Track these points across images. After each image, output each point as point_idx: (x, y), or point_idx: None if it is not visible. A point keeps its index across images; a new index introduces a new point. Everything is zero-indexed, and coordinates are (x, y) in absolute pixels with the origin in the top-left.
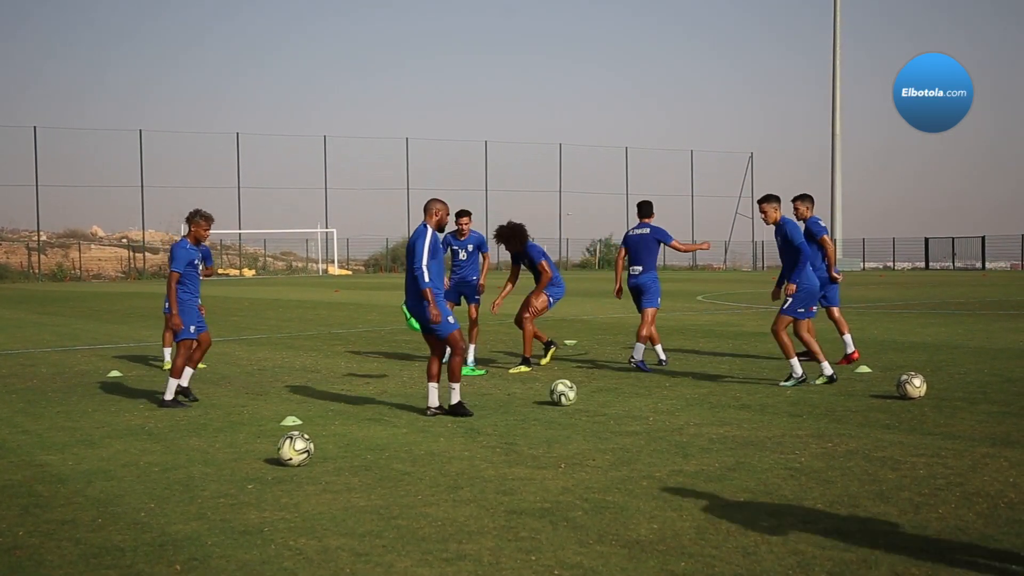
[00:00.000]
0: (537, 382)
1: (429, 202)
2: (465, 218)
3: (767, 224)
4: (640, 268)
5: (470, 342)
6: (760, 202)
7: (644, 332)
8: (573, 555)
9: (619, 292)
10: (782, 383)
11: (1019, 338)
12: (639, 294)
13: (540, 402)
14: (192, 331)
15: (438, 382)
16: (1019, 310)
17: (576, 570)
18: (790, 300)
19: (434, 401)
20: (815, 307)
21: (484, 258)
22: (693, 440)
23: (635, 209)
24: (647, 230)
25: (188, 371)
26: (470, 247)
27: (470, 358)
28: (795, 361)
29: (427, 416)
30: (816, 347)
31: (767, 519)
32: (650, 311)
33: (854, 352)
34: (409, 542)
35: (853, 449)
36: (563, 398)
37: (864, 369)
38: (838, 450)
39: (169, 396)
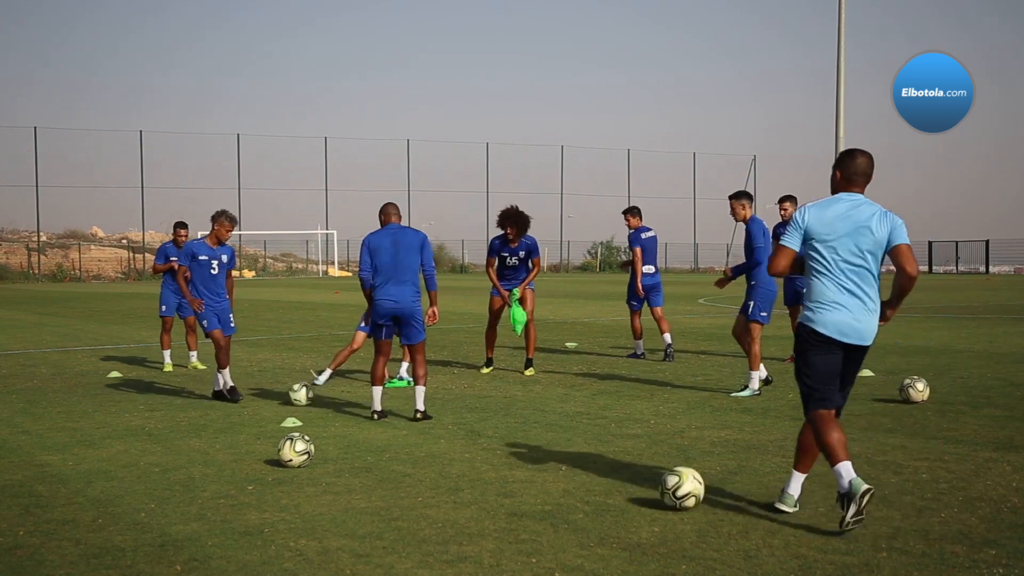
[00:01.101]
0: (538, 384)
1: (395, 206)
2: None
3: (736, 221)
4: (654, 268)
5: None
6: (731, 198)
7: (667, 325)
8: (574, 558)
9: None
10: (735, 393)
11: (1023, 342)
12: (655, 293)
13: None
14: (206, 324)
15: (384, 385)
16: (1023, 314)
17: (577, 573)
18: (753, 305)
19: (378, 404)
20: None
21: None
22: (694, 443)
23: (635, 212)
24: (653, 233)
25: (217, 375)
26: None
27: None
28: (755, 374)
29: (374, 420)
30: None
31: (769, 523)
32: (661, 308)
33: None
34: (410, 544)
35: (855, 453)
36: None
37: (867, 373)
38: None
39: (218, 387)
